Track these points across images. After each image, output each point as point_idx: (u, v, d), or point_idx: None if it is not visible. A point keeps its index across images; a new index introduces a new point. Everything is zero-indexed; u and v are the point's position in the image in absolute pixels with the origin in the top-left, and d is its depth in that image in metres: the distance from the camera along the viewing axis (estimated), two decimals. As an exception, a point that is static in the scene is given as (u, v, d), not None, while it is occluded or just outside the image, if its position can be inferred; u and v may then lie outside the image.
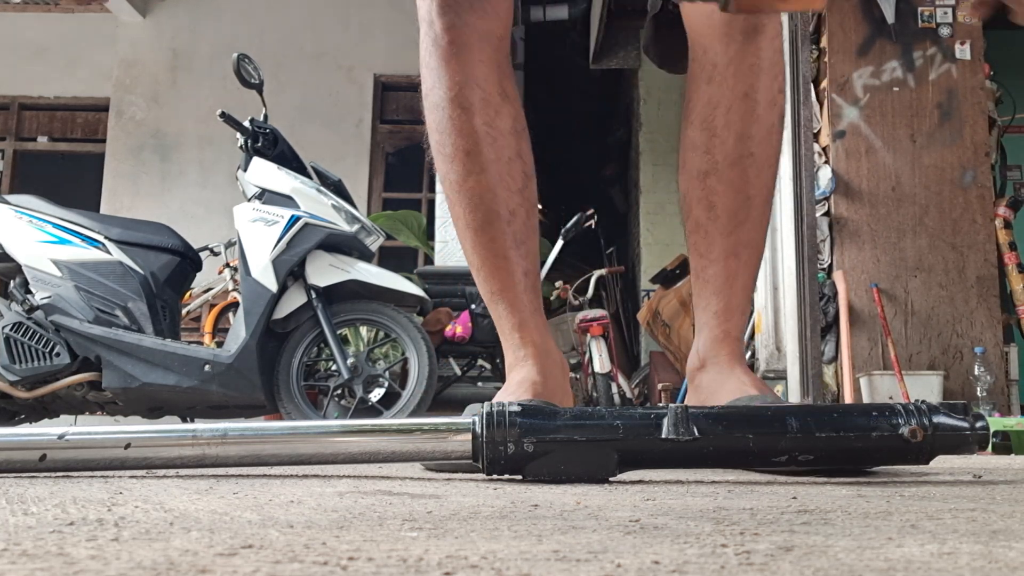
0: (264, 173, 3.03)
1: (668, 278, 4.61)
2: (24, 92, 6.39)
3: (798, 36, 3.43)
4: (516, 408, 0.75)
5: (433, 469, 0.96)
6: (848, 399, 3.40)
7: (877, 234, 3.66)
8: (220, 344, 3.25)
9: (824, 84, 3.74)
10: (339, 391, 3.04)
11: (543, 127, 4.70)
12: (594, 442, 0.75)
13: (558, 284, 4.69)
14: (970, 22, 3.73)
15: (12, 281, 2.97)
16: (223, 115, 3.05)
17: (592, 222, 4.31)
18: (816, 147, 3.63)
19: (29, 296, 2.90)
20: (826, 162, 3.69)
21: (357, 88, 5.92)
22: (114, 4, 5.99)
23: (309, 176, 3.12)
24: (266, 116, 3.25)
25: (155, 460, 0.77)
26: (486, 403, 0.77)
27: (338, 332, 3.01)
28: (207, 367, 2.82)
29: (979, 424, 0.79)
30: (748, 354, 3.62)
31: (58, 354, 2.81)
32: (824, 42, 3.78)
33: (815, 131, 3.65)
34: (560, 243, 4.25)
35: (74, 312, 2.83)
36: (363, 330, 3.69)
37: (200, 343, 3.65)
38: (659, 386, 4.36)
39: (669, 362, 4.65)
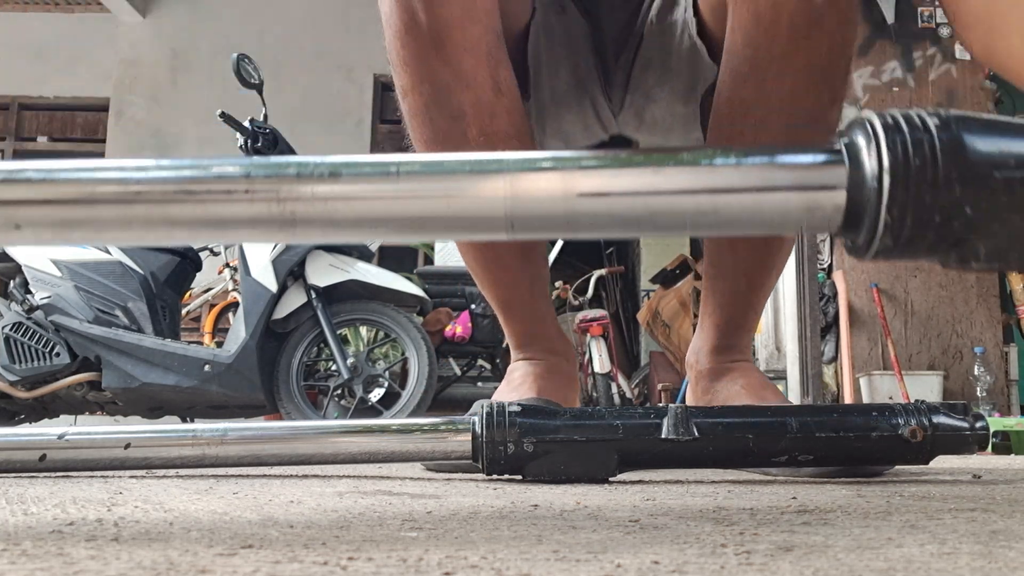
0: (264, 173, 3.02)
1: (668, 278, 4.61)
2: (24, 92, 6.39)
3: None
4: (516, 408, 0.75)
5: (433, 469, 0.96)
6: (848, 399, 3.40)
7: (877, 234, 3.66)
8: (220, 344, 3.25)
9: (824, 84, 3.74)
10: (339, 391, 3.04)
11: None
12: (594, 442, 0.75)
13: (558, 284, 4.69)
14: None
15: (12, 281, 2.97)
16: (223, 115, 3.05)
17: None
18: (816, 147, 3.62)
19: (29, 296, 2.90)
20: (826, 162, 3.68)
21: (357, 88, 5.92)
22: (114, 4, 5.99)
23: (309, 176, 3.12)
24: (266, 116, 3.25)
25: (155, 460, 0.77)
26: (486, 403, 0.77)
27: (338, 332, 3.01)
28: (207, 367, 2.82)
29: (979, 424, 0.79)
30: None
31: (58, 354, 2.81)
32: (824, 42, 3.78)
33: (815, 131, 3.64)
34: (559, 243, 4.25)
35: (74, 312, 2.83)
36: (363, 330, 3.70)
37: (200, 343, 3.65)
38: (659, 386, 4.36)
39: (669, 362, 4.65)
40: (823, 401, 3.38)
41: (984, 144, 0.37)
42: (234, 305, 3.86)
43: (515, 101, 0.94)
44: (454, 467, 0.91)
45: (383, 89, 6.24)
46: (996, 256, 0.52)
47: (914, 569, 0.31)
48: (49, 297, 2.84)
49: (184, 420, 3.08)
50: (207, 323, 4.24)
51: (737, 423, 0.76)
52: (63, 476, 0.78)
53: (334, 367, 3.02)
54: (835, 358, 3.54)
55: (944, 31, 3.76)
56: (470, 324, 3.89)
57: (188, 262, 3.15)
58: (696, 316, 2.63)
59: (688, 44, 1.01)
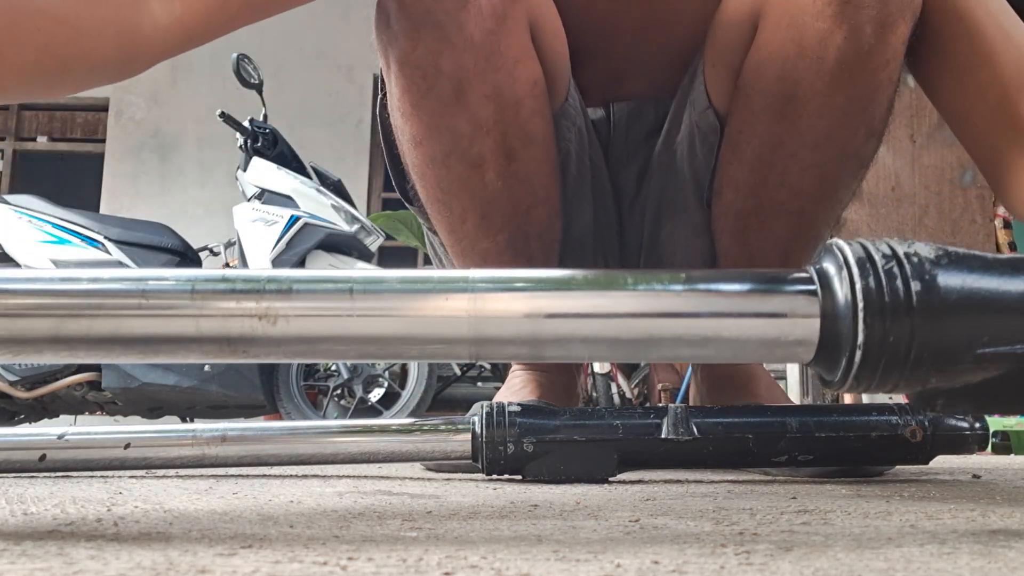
0: (264, 173, 3.03)
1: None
2: (24, 92, 6.38)
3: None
4: (516, 408, 0.75)
5: (433, 469, 0.96)
6: (848, 399, 3.41)
7: (877, 234, 3.67)
8: (220, 344, 3.25)
9: (824, 84, 3.75)
10: (339, 391, 3.04)
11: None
12: (594, 442, 0.75)
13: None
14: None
15: (12, 281, 2.97)
16: (223, 115, 3.05)
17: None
18: (816, 147, 3.63)
19: (29, 296, 2.89)
20: (826, 162, 3.69)
21: (357, 88, 5.91)
22: (114, 4, 5.98)
23: (309, 176, 3.12)
24: (266, 116, 3.25)
25: (155, 460, 0.77)
26: (486, 403, 0.77)
27: (338, 332, 3.01)
28: (207, 367, 2.82)
29: (978, 424, 0.79)
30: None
31: (57, 354, 2.81)
32: (824, 42, 3.79)
33: (815, 131, 3.65)
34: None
35: (74, 312, 2.83)
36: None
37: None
38: (659, 386, 4.35)
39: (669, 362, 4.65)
40: (823, 401, 3.38)
41: (954, 279, 0.37)
42: (234, 305, 3.85)
43: (535, 142, 0.88)
44: (454, 467, 0.91)
45: (383, 90, 6.22)
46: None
47: (914, 569, 0.31)
48: (49, 297, 2.84)
49: (184, 420, 3.08)
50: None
51: (737, 423, 0.76)
52: (63, 476, 0.78)
53: (334, 367, 3.02)
54: (835, 358, 3.54)
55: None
56: (470, 324, 3.88)
57: (188, 262, 3.15)
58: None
59: (695, 149, 0.97)
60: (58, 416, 3.07)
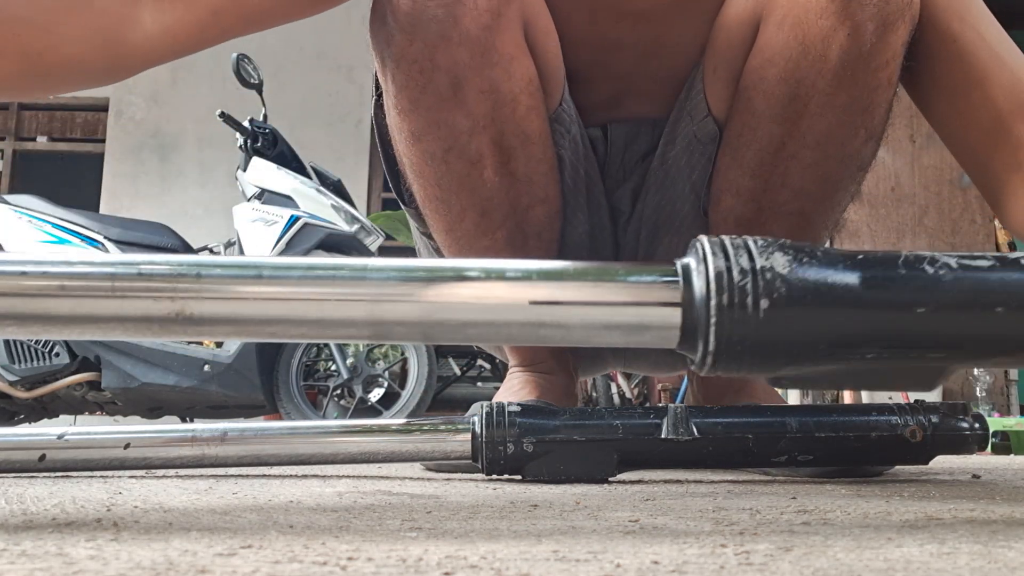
0: (263, 173, 3.03)
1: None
2: (23, 92, 6.38)
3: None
4: (516, 408, 0.75)
5: (433, 469, 0.96)
6: (848, 399, 3.41)
7: (877, 234, 3.67)
8: (219, 344, 3.25)
9: (824, 84, 3.75)
10: (338, 391, 3.04)
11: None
12: (594, 442, 0.75)
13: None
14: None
15: (11, 281, 2.97)
16: (222, 115, 3.05)
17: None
18: (816, 147, 3.63)
19: (28, 296, 2.89)
20: (826, 162, 3.69)
21: (357, 88, 5.91)
22: (113, 4, 5.98)
23: (309, 176, 3.12)
24: (265, 116, 3.25)
25: (154, 460, 0.77)
26: (485, 404, 0.77)
27: (337, 332, 3.01)
28: (206, 367, 2.82)
29: (978, 424, 0.79)
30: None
31: (57, 354, 2.81)
32: (824, 42, 3.79)
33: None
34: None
35: (73, 312, 2.83)
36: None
37: (199, 343, 3.65)
38: (659, 386, 4.36)
39: (669, 362, 4.65)
40: (823, 401, 3.38)
41: (802, 271, 0.40)
42: (234, 305, 3.85)
43: (533, 139, 0.88)
44: (454, 467, 0.91)
45: (378, 90, 6.22)
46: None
47: (913, 569, 0.31)
48: (49, 297, 2.84)
49: (184, 420, 3.08)
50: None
51: (737, 423, 0.76)
52: (63, 476, 0.78)
53: (334, 367, 3.02)
54: (835, 358, 3.54)
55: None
56: (470, 324, 3.88)
57: (188, 262, 3.14)
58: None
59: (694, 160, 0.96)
60: (58, 416, 3.07)
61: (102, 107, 6.21)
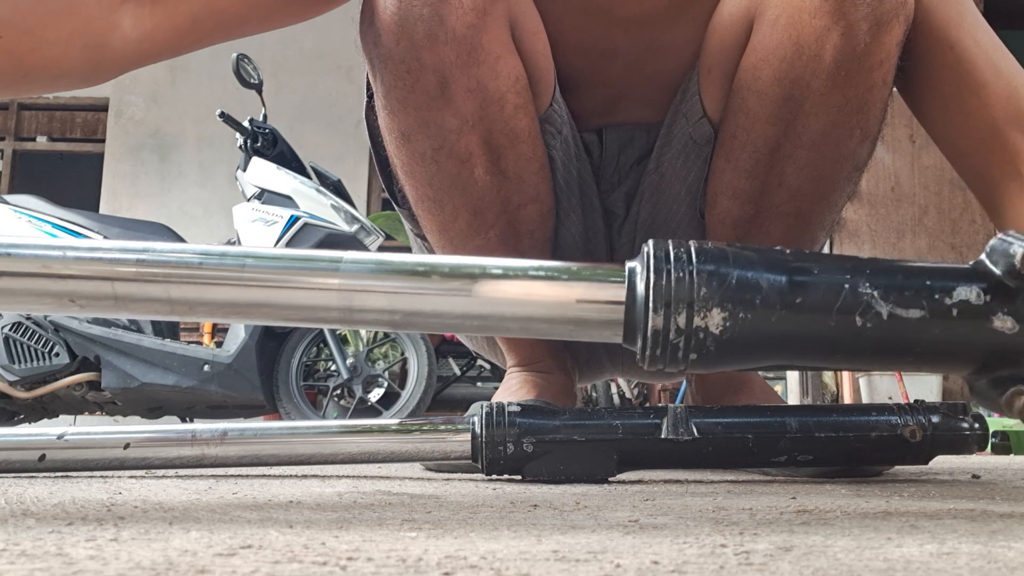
0: (263, 173, 3.03)
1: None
2: (23, 92, 6.38)
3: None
4: (515, 408, 0.75)
5: (432, 469, 0.96)
6: (847, 399, 3.41)
7: (877, 234, 3.67)
8: (219, 344, 3.25)
9: (823, 84, 3.74)
10: (338, 391, 3.04)
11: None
12: (593, 442, 0.75)
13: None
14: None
15: (11, 281, 2.97)
16: (222, 115, 3.05)
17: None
18: (815, 147, 3.63)
19: (28, 296, 2.89)
20: (825, 162, 3.69)
21: (357, 88, 5.88)
22: (113, 4, 5.97)
23: (308, 176, 3.12)
24: (265, 116, 3.25)
25: (154, 460, 0.77)
26: (485, 403, 0.77)
27: (337, 332, 3.01)
28: (206, 367, 2.82)
29: (978, 424, 0.79)
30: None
31: (57, 354, 2.81)
32: (823, 42, 3.78)
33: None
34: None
35: (73, 312, 2.83)
36: (362, 330, 3.70)
37: (199, 343, 3.65)
38: (659, 386, 4.36)
39: (668, 362, 4.65)
40: (822, 401, 3.38)
41: (733, 274, 0.43)
42: (233, 305, 3.85)
43: (524, 134, 0.88)
44: (454, 467, 0.91)
45: (370, 92, 6.20)
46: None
47: (913, 569, 0.31)
48: (48, 297, 2.84)
49: (183, 420, 3.08)
50: (206, 323, 4.24)
51: (737, 423, 0.76)
52: (63, 476, 0.78)
53: (333, 367, 3.02)
54: (834, 358, 3.54)
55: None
56: (470, 324, 3.88)
57: (187, 262, 3.14)
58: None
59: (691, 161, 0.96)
60: (58, 416, 3.07)
61: (102, 107, 6.21)
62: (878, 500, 0.60)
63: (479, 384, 4.40)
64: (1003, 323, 0.44)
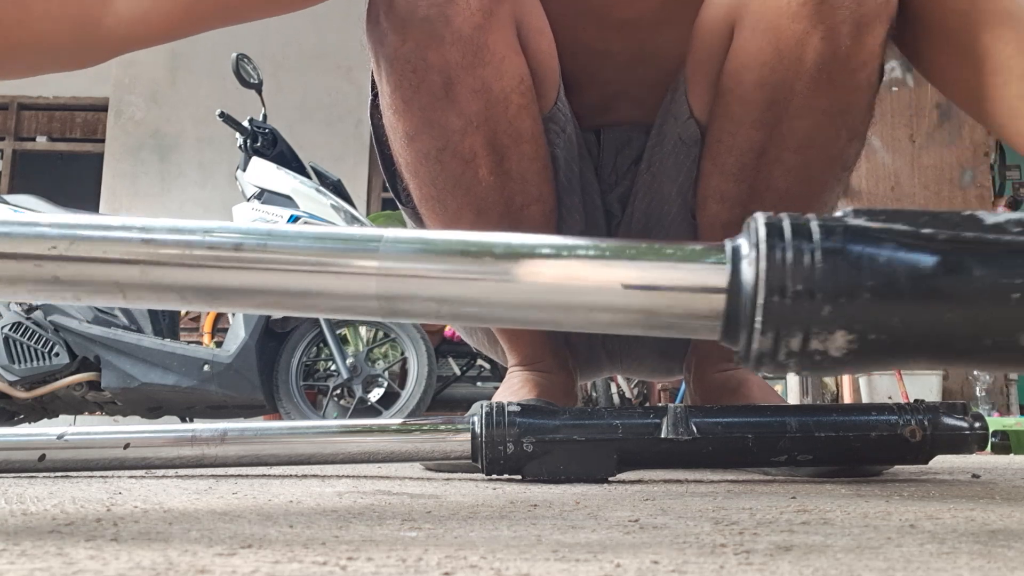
0: (263, 173, 3.03)
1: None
2: (23, 92, 6.39)
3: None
4: (515, 408, 0.75)
5: (432, 469, 0.96)
6: (847, 399, 3.41)
7: (876, 234, 3.66)
8: (219, 344, 3.25)
9: (823, 84, 3.74)
10: (338, 391, 3.04)
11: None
12: (593, 442, 0.75)
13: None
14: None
15: (11, 281, 2.96)
16: (222, 115, 3.05)
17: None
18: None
19: (28, 296, 2.89)
20: (825, 162, 3.69)
21: (357, 88, 5.91)
22: (113, 4, 5.97)
23: (308, 176, 3.12)
24: (265, 116, 3.25)
25: (154, 460, 0.77)
26: (485, 403, 0.77)
27: (337, 332, 3.01)
28: (206, 367, 2.82)
29: (978, 424, 0.79)
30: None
31: (57, 354, 2.81)
32: (823, 42, 3.78)
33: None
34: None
35: (73, 312, 2.83)
36: (362, 330, 3.70)
37: (199, 343, 3.65)
38: (659, 386, 4.36)
39: (668, 362, 4.65)
40: (822, 401, 3.38)
41: (864, 258, 0.34)
42: (233, 305, 3.85)
43: (527, 135, 0.88)
44: (454, 467, 0.91)
45: (375, 90, 6.21)
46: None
47: (913, 569, 0.31)
48: (48, 297, 2.84)
49: (183, 420, 3.08)
50: (206, 323, 4.24)
51: (736, 423, 0.76)
52: (62, 476, 0.78)
53: (333, 367, 3.01)
54: (834, 358, 3.53)
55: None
56: (469, 324, 3.88)
57: (187, 262, 3.14)
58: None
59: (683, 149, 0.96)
60: (58, 416, 3.07)
61: (102, 107, 6.21)
62: (878, 500, 0.60)
63: (479, 384, 4.39)
64: None
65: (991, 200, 3.67)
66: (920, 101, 3.73)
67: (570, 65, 0.95)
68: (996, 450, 2.18)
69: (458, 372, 4.27)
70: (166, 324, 2.98)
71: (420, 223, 0.99)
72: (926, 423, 0.77)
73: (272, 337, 2.96)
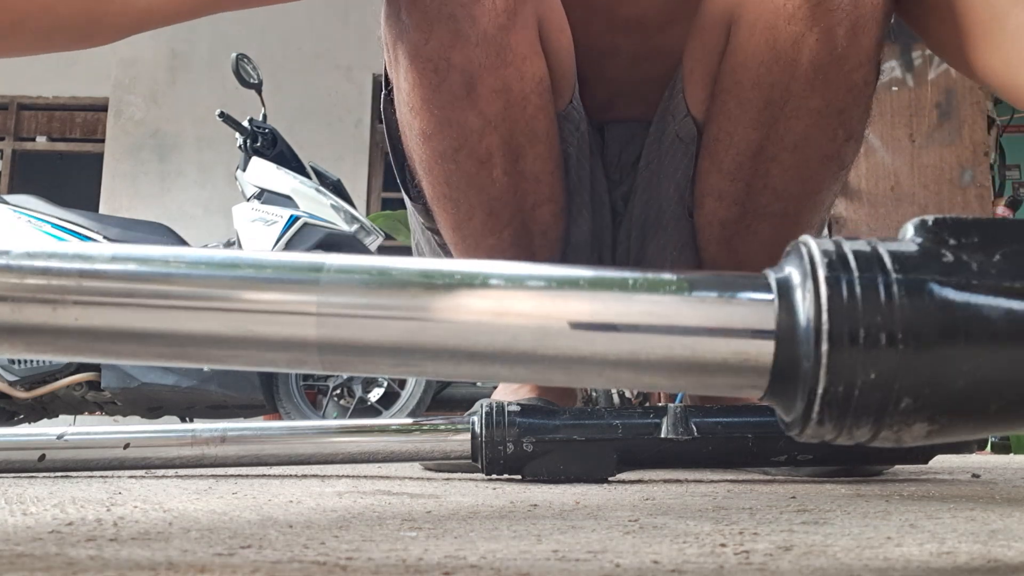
0: (263, 173, 3.03)
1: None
2: (22, 92, 6.39)
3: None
4: (515, 407, 0.75)
5: (432, 469, 0.96)
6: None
7: (876, 234, 3.66)
8: (219, 344, 3.25)
9: (823, 84, 3.74)
10: (338, 391, 3.04)
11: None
12: (593, 442, 0.75)
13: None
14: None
15: (11, 281, 2.97)
16: (222, 115, 3.05)
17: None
18: (815, 147, 3.63)
19: (28, 296, 2.89)
20: (825, 162, 3.69)
21: (356, 88, 5.91)
22: (113, 4, 5.97)
23: (308, 176, 3.12)
24: (265, 116, 3.25)
25: (154, 460, 0.77)
26: (485, 403, 0.77)
27: (337, 332, 3.01)
28: (206, 367, 2.82)
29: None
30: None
31: (57, 354, 2.81)
32: (823, 42, 3.78)
33: (814, 131, 3.65)
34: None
35: (73, 312, 2.83)
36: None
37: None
38: (658, 386, 4.35)
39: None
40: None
41: (952, 293, 0.27)
42: (233, 305, 3.85)
43: (541, 136, 0.88)
44: (453, 467, 0.91)
45: (383, 89, 6.21)
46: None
47: (913, 569, 0.31)
48: (48, 297, 2.84)
49: (183, 420, 3.08)
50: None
51: (736, 423, 0.76)
52: (62, 476, 0.78)
53: (333, 367, 3.01)
54: (834, 358, 3.54)
55: (943, 31, 3.76)
56: (469, 324, 3.88)
57: (187, 262, 3.14)
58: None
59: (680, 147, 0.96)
60: (57, 416, 3.07)
61: (101, 107, 6.21)
62: (878, 500, 0.60)
63: (479, 384, 4.39)
64: None
65: (991, 199, 3.68)
66: (920, 101, 3.73)
67: (576, 62, 0.95)
68: (996, 450, 2.18)
69: (458, 372, 4.27)
70: (166, 324, 2.97)
71: (430, 219, 0.99)
72: (926, 423, 0.77)
73: (272, 337, 2.96)
